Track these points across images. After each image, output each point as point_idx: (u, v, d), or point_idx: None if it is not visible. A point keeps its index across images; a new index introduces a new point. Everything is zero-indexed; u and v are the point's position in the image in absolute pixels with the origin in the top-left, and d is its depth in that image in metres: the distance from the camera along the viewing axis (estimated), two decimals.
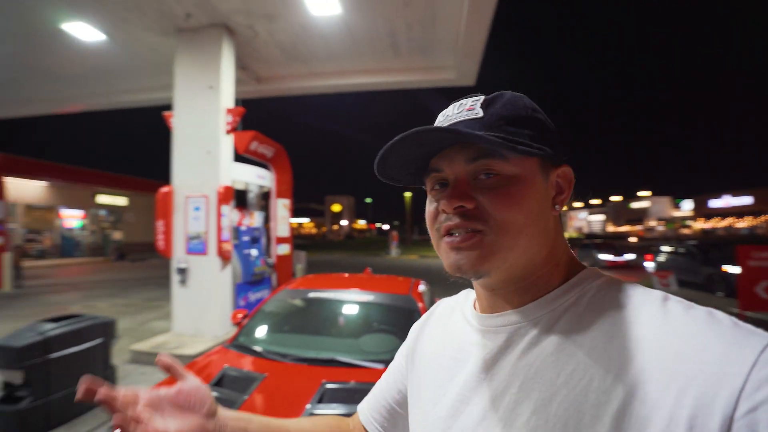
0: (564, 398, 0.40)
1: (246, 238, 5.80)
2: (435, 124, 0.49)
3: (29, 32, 5.73)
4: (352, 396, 1.91)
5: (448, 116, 0.48)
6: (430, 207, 0.50)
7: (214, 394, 1.94)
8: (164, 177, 5.25)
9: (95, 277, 13.13)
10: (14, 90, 8.28)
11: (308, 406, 1.82)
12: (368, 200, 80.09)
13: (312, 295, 2.95)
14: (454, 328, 0.57)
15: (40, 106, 9.11)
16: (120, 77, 7.22)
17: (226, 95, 5.16)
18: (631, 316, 0.41)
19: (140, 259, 19.30)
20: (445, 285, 0.57)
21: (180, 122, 5.19)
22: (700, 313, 0.39)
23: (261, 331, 2.73)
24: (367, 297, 2.87)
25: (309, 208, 75.28)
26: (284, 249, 7.19)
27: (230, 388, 2.01)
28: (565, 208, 0.50)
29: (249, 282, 5.84)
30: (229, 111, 5.08)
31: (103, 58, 6.38)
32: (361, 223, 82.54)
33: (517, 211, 0.44)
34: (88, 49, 6.03)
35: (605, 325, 0.41)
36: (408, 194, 45.60)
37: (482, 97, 0.48)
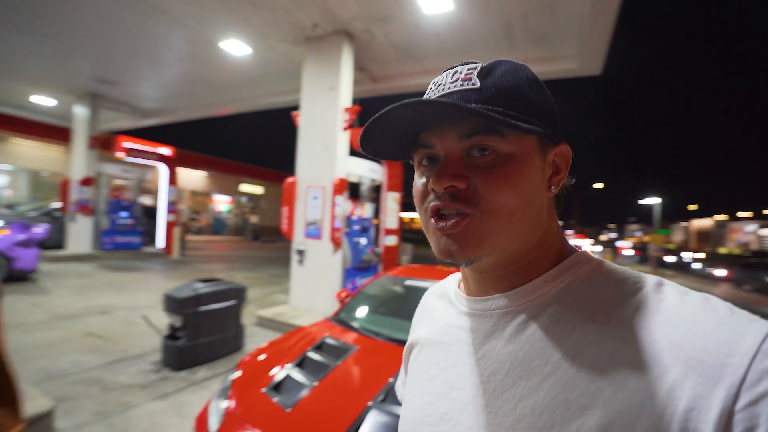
0: (552, 386, 0.38)
1: (356, 227, 6.28)
2: (426, 95, 0.46)
3: (197, 52, 7.08)
4: None
5: (441, 85, 0.44)
6: (418, 183, 0.47)
7: (314, 356, 2.25)
8: (292, 170, 5.99)
9: (235, 252, 15.54)
10: (185, 98, 10.30)
11: (390, 380, 1.98)
12: None
13: (409, 282, 3.14)
14: (441, 313, 0.55)
15: (201, 111, 11.13)
16: (260, 83, 8.40)
17: (345, 95, 5.65)
18: (623, 302, 0.39)
19: (270, 241, 22.15)
20: None
21: (304, 121, 5.87)
22: (696, 299, 0.37)
23: (359, 310, 3.01)
24: None
25: None
26: (391, 240, 7.55)
27: (327, 353, 2.30)
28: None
29: (357, 268, 6.32)
30: (346, 110, 5.55)
31: (248, 68, 7.52)
32: None
33: (511, 193, 0.41)
34: (237, 62, 7.19)
35: (596, 313, 0.39)
36: None
37: (479, 65, 0.43)
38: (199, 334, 3.75)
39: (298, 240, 5.73)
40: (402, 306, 3.02)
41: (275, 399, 1.87)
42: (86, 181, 10.28)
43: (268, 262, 12.79)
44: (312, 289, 5.64)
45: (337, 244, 5.54)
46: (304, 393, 1.89)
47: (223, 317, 4.01)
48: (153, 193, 13.39)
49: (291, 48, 6.33)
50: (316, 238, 5.56)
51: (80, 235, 10.30)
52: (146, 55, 7.42)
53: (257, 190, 25.05)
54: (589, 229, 75.55)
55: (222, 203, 23.40)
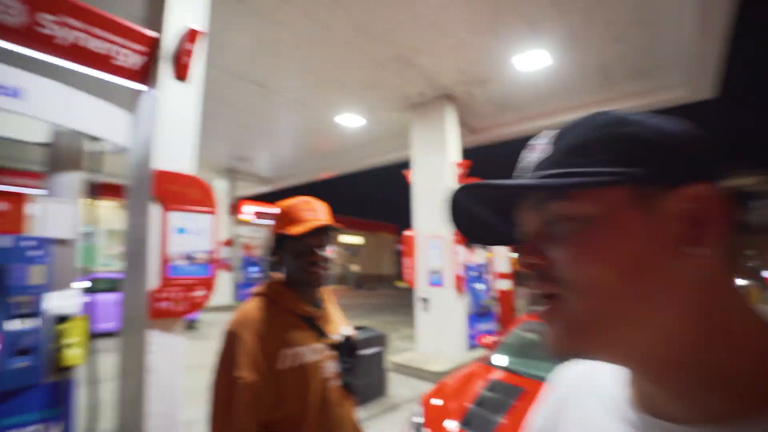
0: None
1: (473, 274, 6.50)
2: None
3: (314, 127, 8.30)
4: None
5: (521, 161, 0.41)
6: None
7: (489, 395, 2.50)
8: (387, 219, 6.53)
9: (343, 301, 16.47)
10: (299, 166, 11.81)
11: None
12: None
13: None
14: (593, 421, 0.42)
15: (310, 175, 12.56)
16: (366, 147, 9.41)
17: (453, 151, 6.17)
18: None
19: (373, 288, 23.02)
20: None
21: (417, 178, 6.47)
22: None
23: (510, 353, 3.21)
24: None
25: None
26: (505, 284, 7.57)
27: (499, 393, 2.54)
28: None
29: (477, 313, 6.46)
30: (457, 164, 6.02)
31: (357, 136, 8.54)
32: None
33: (597, 266, 0.33)
34: (349, 131, 8.24)
35: None
36: None
37: (557, 131, 0.38)
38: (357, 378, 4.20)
39: (422, 288, 6.11)
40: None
41: None
42: (227, 243, 12.15)
43: (378, 310, 13.35)
44: (437, 334, 5.90)
45: (460, 291, 5.80)
46: (493, 427, 2.15)
47: (372, 362, 4.44)
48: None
49: (398, 114, 7.14)
50: (438, 285, 5.89)
51: (222, 288, 12.04)
52: (272, 133, 8.89)
53: (356, 240, 26.60)
54: None
55: (328, 253, 25.21)
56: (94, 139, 2.71)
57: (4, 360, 1.97)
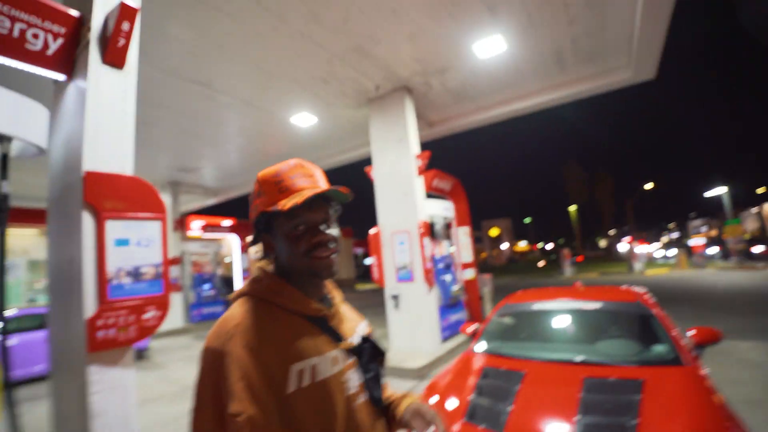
0: None
1: (440, 266, 6.42)
2: None
3: (266, 130, 7.84)
4: (618, 388, 2.07)
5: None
6: None
7: (488, 383, 2.35)
8: (349, 223, 6.32)
9: None
10: (249, 173, 11.21)
11: (581, 395, 2.04)
12: (527, 220, 75.76)
13: (537, 306, 3.20)
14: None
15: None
16: (323, 147, 9.08)
17: (413, 143, 6.04)
18: None
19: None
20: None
21: (379, 174, 6.28)
22: None
23: (497, 339, 3.09)
24: (594, 305, 2.97)
25: None
26: (470, 273, 7.58)
27: (499, 379, 2.39)
28: None
29: (447, 305, 6.39)
30: (418, 156, 5.91)
31: (311, 135, 8.19)
32: (522, 245, 77.86)
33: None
34: (303, 131, 7.88)
35: None
36: (573, 208, 41.58)
37: None
38: None
39: (391, 285, 5.92)
40: (539, 330, 3.08)
41: (482, 426, 1.97)
42: (174, 261, 11.21)
43: None
44: (411, 330, 5.73)
45: (430, 284, 5.67)
46: (504, 417, 1.98)
47: None
48: (226, 264, 14.25)
49: (355, 111, 6.91)
50: (408, 281, 5.73)
51: (173, 311, 11.08)
52: (218, 140, 8.29)
53: None
54: (647, 233, 70.63)
55: None
56: (2, 138, 2.22)
57: None
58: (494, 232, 69.74)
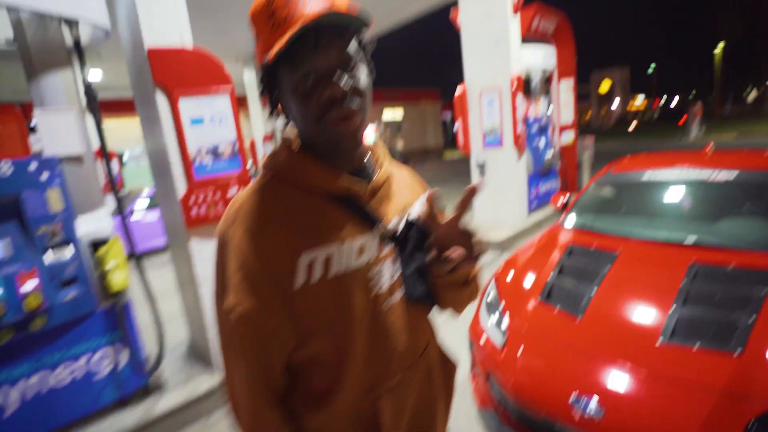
0: None
1: (534, 129, 5.74)
2: None
3: None
4: (736, 278, 1.72)
5: None
6: None
7: (572, 262, 2.16)
8: (429, 84, 5.63)
9: None
10: None
11: (683, 283, 1.76)
12: (651, 68, 62.22)
13: (648, 176, 2.70)
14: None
15: None
16: None
17: None
18: None
19: (420, 163, 22.69)
20: None
21: (466, 18, 5.29)
22: None
23: (591, 213, 2.76)
24: (725, 175, 2.38)
25: None
26: (568, 137, 6.74)
27: (586, 257, 2.18)
28: None
29: (538, 173, 5.91)
30: None
31: None
32: (639, 101, 66.17)
33: None
34: None
35: None
36: (718, 49, 32.64)
37: None
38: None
39: (477, 152, 5.55)
40: (648, 203, 2.64)
41: (558, 306, 1.88)
42: (268, 137, 11.95)
43: (428, 184, 13.15)
44: (497, 201, 5.53)
45: (521, 149, 5.18)
46: (586, 300, 1.84)
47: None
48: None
49: None
50: (496, 146, 5.28)
51: None
52: None
53: (398, 113, 25.35)
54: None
55: (369, 134, 24.59)
56: (68, 22, 2.21)
57: (51, 294, 1.91)
58: (605, 86, 59.56)
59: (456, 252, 0.64)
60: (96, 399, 2.18)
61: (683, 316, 1.58)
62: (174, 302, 3.11)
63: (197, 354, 2.81)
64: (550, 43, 6.34)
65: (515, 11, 4.84)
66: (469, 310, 3.36)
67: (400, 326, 0.71)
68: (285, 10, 0.57)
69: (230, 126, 2.47)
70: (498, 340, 1.89)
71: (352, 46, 0.61)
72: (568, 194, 3.23)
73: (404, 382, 0.73)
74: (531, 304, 1.97)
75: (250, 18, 0.62)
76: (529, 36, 5.81)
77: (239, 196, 0.67)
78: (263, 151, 11.83)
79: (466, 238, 0.66)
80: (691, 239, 2.10)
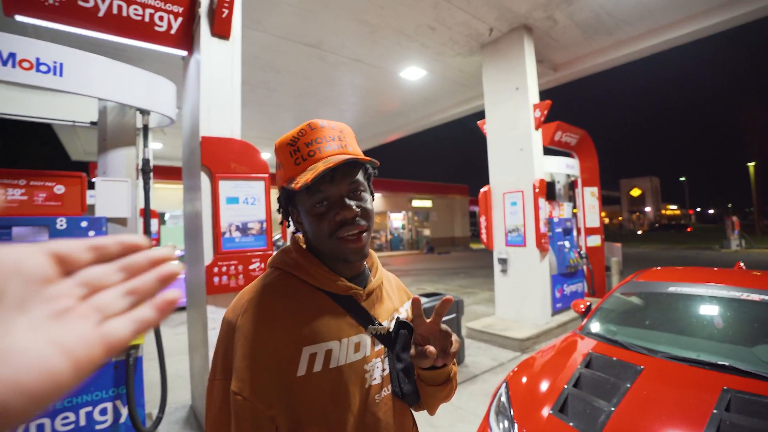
0: None
1: (558, 230, 5.78)
2: None
3: (375, 87, 7.83)
4: None
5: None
6: None
7: (590, 374, 2.04)
8: (456, 180, 5.94)
9: (416, 266, 16.40)
10: (361, 132, 11.53)
11: (715, 411, 1.61)
12: (682, 179, 62.94)
13: (675, 288, 2.62)
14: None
15: (373, 140, 12.27)
16: (434, 101, 8.74)
17: (532, 92, 5.33)
18: None
19: (445, 252, 22.68)
20: None
21: (492, 127, 5.77)
22: None
23: (615, 323, 2.65)
24: (761, 296, 2.28)
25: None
26: (595, 240, 6.71)
27: (605, 372, 2.05)
28: None
29: (563, 274, 5.80)
30: (536, 106, 5.21)
31: (423, 89, 7.91)
32: (673, 208, 65.77)
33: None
34: (413, 85, 7.65)
35: None
36: (752, 164, 32.97)
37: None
38: None
39: (500, 249, 5.58)
40: (673, 318, 2.52)
41: (571, 424, 1.74)
42: None
43: (452, 274, 13.02)
44: (519, 298, 5.39)
45: (543, 249, 5.17)
46: (604, 418, 1.70)
47: None
48: None
49: (466, 59, 6.38)
50: (519, 245, 5.32)
51: None
52: (333, 99, 8.61)
53: (426, 203, 26.19)
54: None
55: (397, 220, 25.30)
56: (142, 111, 2.61)
57: None
58: (635, 192, 60.11)
59: (433, 348, 0.69)
60: None
61: None
62: (181, 363, 3.07)
63: (196, 421, 2.70)
64: (574, 154, 6.70)
65: (536, 128, 5.23)
66: (479, 410, 3.09)
67: (388, 419, 0.75)
68: (306, 149, 0.71)
69: (261, 207, 2.69)
70: None
71: (360, 176, 0.75)
72: (590, 300, 3.14)
73: None
74: (544, 414, 1.84)
75: (276, 148, 0.76)
76: (552, 145, 6.20)
77: (249, 288, 0.75)
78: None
79: (444, 336, 0.73)
80: (724, 362, 1.96)
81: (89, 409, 2.13)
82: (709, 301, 2.43)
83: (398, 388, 0.76)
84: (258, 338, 0.67)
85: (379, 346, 0.77)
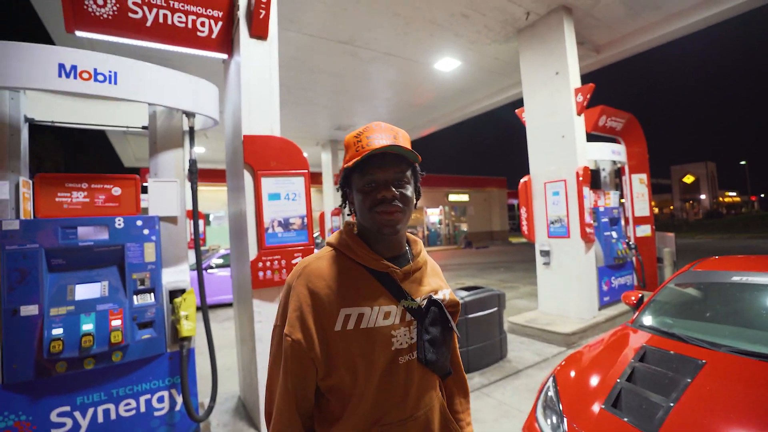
0: None
1: (604, 220, 5.51)
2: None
3: (409, 80, 7.76)
4: None
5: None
6: None
7: (645, 368, 1.93)
8: (496, 173, 5.77)
9: (454, 261, 16.21)
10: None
11: None
12: (743, 162, 57.77)
13: (738, 278, 2.43)
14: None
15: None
16: (470, 92, 8.56)
17: (574, 76, 5.09)
18: None
19: (483, 246, 22.27)
20: None
21: (531, 115, 5.57)
22: None
23: (671, 316, 2.49)
24: None
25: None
26: (644, 230, 6.34)
27: (662, 366, 1.94)
28: None
29: (610, 266, 5.52)
30: (578, 90, 4.97)
31: (458, 80, 7.76)
32: (732, 195, 60.79)
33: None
34: (447, 77, 7.52)
35: None
36: None
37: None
38: (469, 342, 3.90)
39: (542, 240, 5.40)
40: (738, 310, 2.34)
41: (625, 419, 1.65)
42: (335, 212, 12.71)
43: (491, 268, 12.77)
44: (563, 292, 5.19)
45: (588, 240, 4.95)
46: (662, 414, 1.60)
47: (488, 324, 4.07)
48: None
49: (502, 46, 6.20)
50: (562, 236, 5.12)
51: None
52: (368, 95, 8.63)
53: (463, 197, 25.77)
54: None
55: (433, 215, 25.10)
56: (188, 114, 2.74)
57: (131, 333, 2.14)
58: (688, 179, 56.06)
59: None
60: None
61: None
62: (227, 357, 3.22)
63: (245, 411, 2.83)
64: (620, 140, 6.34)
65: (578, 113, 4.99)
66: (523, 406, 3.04)
67: (411, 379, 0.88)
68: (366, 141, 0.87)
69: (302, 203, 2.75)
70: None
71: (406, 170, 0.90)
72: (643, 291, 2.97)
73: (404, 425, 0.87)
74: (595, 409, 1.76)
75: (345, 141, 0.93)
76: (596, 131, 5.90)
77: (307, 258, 0.93)
78: (330, 224, 12.54)
79: None
80: None
81: (148, 396, 2.28)
82: (760, 287, 2.24)
83: (423, 356, 0.89)
84: (306, 297, 0.84)
85: (410, 318, 0.90)
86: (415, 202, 0.93)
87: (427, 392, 0.92)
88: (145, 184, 3.13)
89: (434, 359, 0.89)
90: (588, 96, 4.89)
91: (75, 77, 2.15)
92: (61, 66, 2.12)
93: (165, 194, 2.51)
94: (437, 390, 0.97)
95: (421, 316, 0.90)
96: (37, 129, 2.83)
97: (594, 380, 1.98)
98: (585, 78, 5.95)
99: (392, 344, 0.86)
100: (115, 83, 2.29)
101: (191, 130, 2.78)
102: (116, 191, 2.39)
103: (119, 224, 2.24)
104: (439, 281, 1.02)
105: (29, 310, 1.99)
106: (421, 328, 0.90)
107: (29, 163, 2.55)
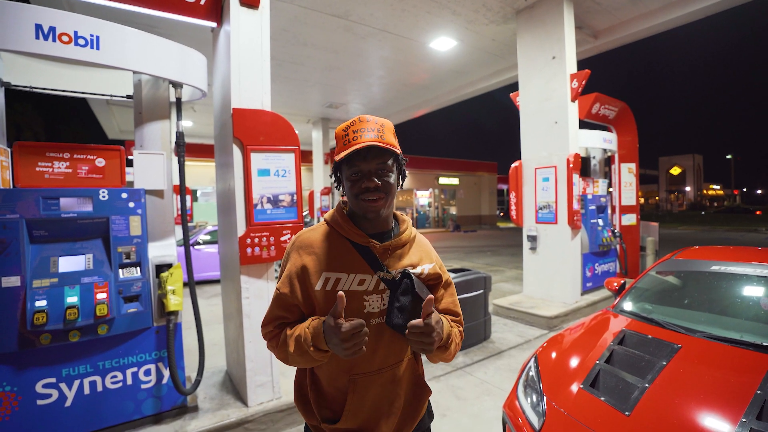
0: None
1: (592, 207, 5.58)
2: None
3: (404, 59, 7.61)
4: None
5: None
6: None
7: (624, 351, 1.99)
8: (487, 157, 5.76)
9: (442, 243, 16.35)
10: (390, 106, 11.34)
11: (758, 392, 1.55)
12: (728, 156, 58.81)
13: (717, 268, 2.49)
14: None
15: (401, 115, 12.06)
16: (465, 73, 8.44)
17: (570, 61, 5.05)
18: None
19: (471, 230, 22.46)
20: None
21: (526, 99, 5.54)
22: None
23: (651, 302, 2.57)
24: None
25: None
26: (630, 219, 6.45)
27: (639, 349, 2.00)
28: None
29: (595, 253, 5.63)
30: (573, 76, 4.95)
31: (453, 61, 7.63)
32: (715, 188, 62.03)
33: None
34: (443, 57, 7.39)
35: None
36: None
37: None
38: None
39: (529, 226, 5.46)
40: (715, 298, 2.41)
41: (602, 398, 1.71)
42: (325, 191, 12.63)
43: (478, 251, 12.92)
44: (548, 276, 5.29)
45: (575, 227, 5.02)
46: (638, 394, 1.67)
47: (474, 306, 4.15)
48: None
49: (499, 27, 6.09)
50: (550, 222, 5.18)
51: None
52: (361, 73, 8.45)
53: (453, 181, 25.81)
54: None
55: (423, 198, 25.15)
56: (175, 85, 2.65)
57: (116, 306, 2.11)
58: (675, 170, 56.87)
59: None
60: (137, 409, 2.32)
61: (759, 430, 1.38)
62: (214, 332, 3.23)
63: (231, 385, 2.86)
64: (612, 128, 6.37)
65: (573, 99, 4.97)
66: (505, 385, 3.12)
67: (379, 340, 1.03)
68: (353, 135, 0.99)
69: (292, 180, 2.71)
70: (535, 422, 1.75)
71: (388, 159, 1.01)
72: (625, 278, 3.04)
73: (372, 377, 1.03)
74: (574, 389, 1.82)
75: (335, 134, 1.04)
76: (589, 118, 5.90)
77: (302, 231, 1.10)
78: (319, 204, 12.49)
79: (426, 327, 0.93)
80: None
81: (134, 369, 2.28)
82: (756, 281, 2.30)
83: (390, 320, 1.01)
84: (296, 261, 1.04)
85: (384, 287, 1.03)
86: (399, 186, 1.06)
87: (394, 352, 1.06)
88: (130, 157, 3.04)
89: (400, 323, 1.00)
90: (583, 82, 4.87)
91: (54, 40, 2.04)
92: (38, 27, 2.00)
93: (151, 167, 2.44)
94: (407, 351, 1.11)
95: (394, 286, 1.03)
96: (15, 97, 2.71)
97: (574, 361, 2.04)
98: (580, 64, 5.92)
99: (364, 307, 1.02)
100: (98, 48, 2.18)
101: (178, 101, 2.69)
102: (100, 162, 2.32)
103: (103, 196, 2.19)
104: (422, 256, 1.12)
105: (11, 281, 1.95)
106: (393, 297, 1.02)
107: (6, 132, 2.45)
